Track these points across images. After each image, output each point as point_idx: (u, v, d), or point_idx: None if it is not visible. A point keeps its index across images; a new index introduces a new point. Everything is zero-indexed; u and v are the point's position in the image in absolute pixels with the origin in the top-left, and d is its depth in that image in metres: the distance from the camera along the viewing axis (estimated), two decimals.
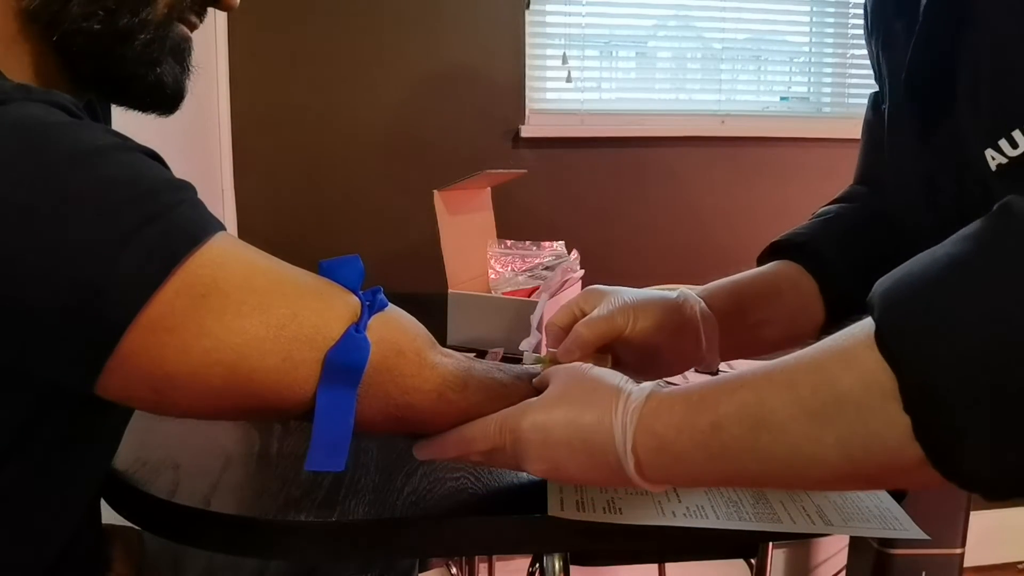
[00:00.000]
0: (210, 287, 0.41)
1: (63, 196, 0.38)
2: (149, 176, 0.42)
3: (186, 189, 0.43)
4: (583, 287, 0.92)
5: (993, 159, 0.45)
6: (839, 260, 0.68)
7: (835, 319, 0.68)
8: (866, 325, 0.38)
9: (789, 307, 0.68)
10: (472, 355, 1.00)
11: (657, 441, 0.45)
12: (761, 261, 0.73)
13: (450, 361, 0.52)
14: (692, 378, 0.95)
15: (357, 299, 0.47)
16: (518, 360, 0.73)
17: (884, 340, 0.36)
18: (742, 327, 0.67)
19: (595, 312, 0.62)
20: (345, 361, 0.45)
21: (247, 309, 0.42)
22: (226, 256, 0.43)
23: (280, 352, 0.43)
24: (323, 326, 0.44)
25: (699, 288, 0.68)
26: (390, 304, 0.50)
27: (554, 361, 0.61)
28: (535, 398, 0.51)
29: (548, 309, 0.87)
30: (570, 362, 0.59)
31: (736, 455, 0.42)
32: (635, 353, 0.63)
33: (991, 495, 0.35)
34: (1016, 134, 0.43)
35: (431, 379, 0.50)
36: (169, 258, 0.40)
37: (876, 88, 0.69)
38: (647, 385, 0.48)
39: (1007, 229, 0.35)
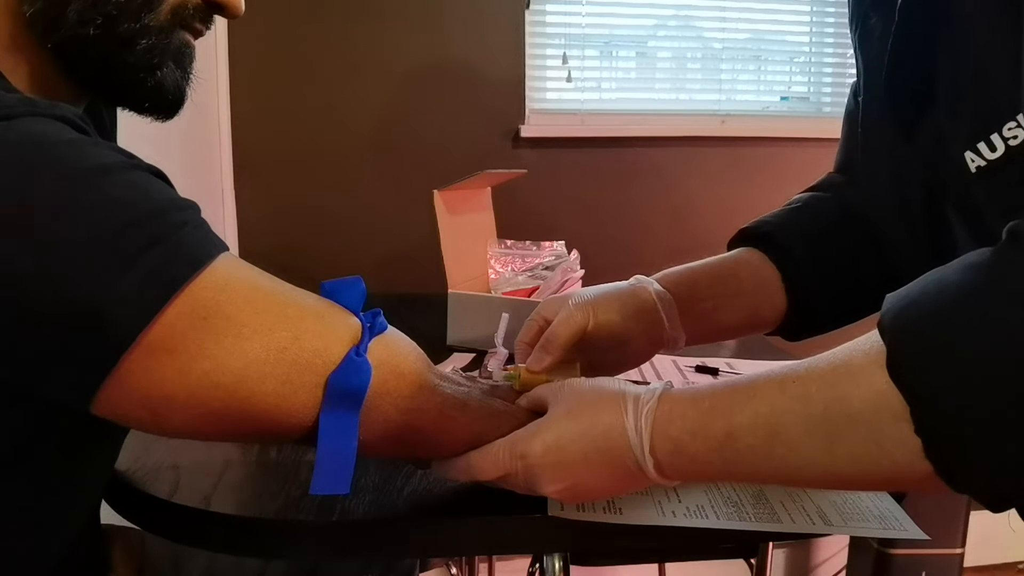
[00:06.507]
0: (212, 310, 0.41)
1: (66, 215, 0.38)
2: (153, 197, 0.42)
3: (190, 209, 0.43)
4: (583, 287, 0.92)
5: (972, 161, 0.45)
6: (802, 251, 0.69)
7: (798, 308, 0.69)
8: (875, 343, 0.39)
9: (748, 293, 0.69)
10: (472, 355, 1.01)
11: (672, 444, 0.46)
12: (731, 247, 0.74)
13: (448, 383, 0.52)
14: (661, 365, 0.96)
15: (358, 321, 0.47)
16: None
17: (896, 367, 0.37)
18: (697, 311, 0.67)
19: (556, 318, 0.63)
20: (347, 385, 0.44)
21: (248, 332, 0.42)
22: (228, 278, 0.42)
23: (280, 376, 0.43)
24: (323, 349, 0.44)
25: (655, 274, 0.69)
26: (390, 326, 0.50)
27: (526, 374, 0.60)
28: (540, 419, 0.51)
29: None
30: (541, 371, 0.59)
31: (750, 462, 0.44)
32: (604, 348, 0.64)
33: (995, 508, 0.37)
34: (995, 138, 0.43)
35: (431, 399, 0.50)
36: (171, 282, 0.40)
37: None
38: (656, 385, 0.48)
39: (1015, 260, 0.35)
